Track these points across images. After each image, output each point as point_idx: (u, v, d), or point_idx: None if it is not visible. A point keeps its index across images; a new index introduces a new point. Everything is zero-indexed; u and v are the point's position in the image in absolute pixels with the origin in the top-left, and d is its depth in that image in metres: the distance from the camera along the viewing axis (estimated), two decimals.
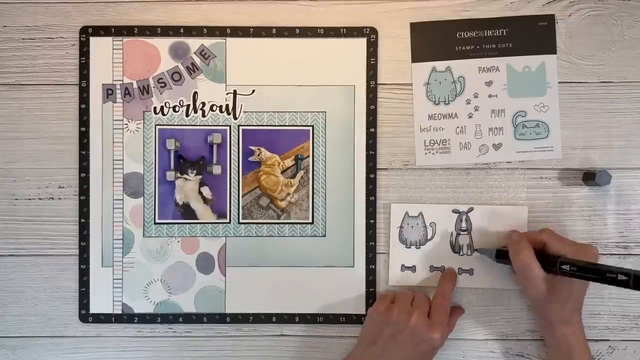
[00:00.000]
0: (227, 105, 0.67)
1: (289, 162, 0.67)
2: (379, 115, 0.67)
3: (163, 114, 0.67)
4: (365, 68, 0.67)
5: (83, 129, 0.67)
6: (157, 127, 0.67)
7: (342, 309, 0.67)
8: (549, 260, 0.60)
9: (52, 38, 0.67)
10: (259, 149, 0.67)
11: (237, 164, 0.67)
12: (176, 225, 0.67)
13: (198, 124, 0.67)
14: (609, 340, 0.67)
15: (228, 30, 0.67)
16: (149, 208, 0.67)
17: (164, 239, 0.67)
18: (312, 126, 0.67)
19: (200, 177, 0.67)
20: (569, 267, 0.57)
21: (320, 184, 0.67)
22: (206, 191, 0.67)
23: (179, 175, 0.67)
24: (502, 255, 0.63)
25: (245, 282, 0.67)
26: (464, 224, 0.67)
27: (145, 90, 0.67)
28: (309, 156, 0.67)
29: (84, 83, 0.67)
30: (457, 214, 0.67)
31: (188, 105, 0.67)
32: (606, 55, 0.67)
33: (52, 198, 0.67)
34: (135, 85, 0.67)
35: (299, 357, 0.68)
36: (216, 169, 0.67)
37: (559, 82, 0.67)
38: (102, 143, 0.67)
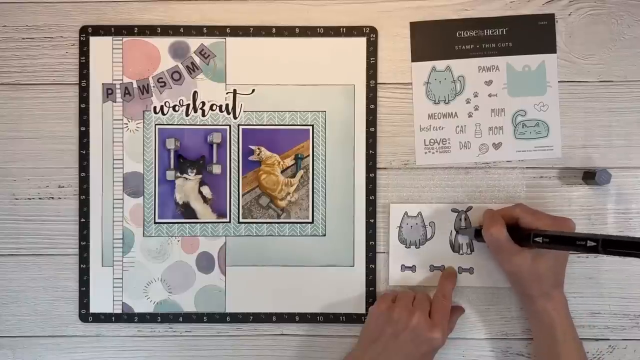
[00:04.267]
0: (227, 105, 0.67)
1: (289, 161, 0.67)
2: (379, 115, 0.67)
3: (163, 114, 0.67)
4: (365, 67, 0.67)
5: (83, 128, 0.67)
6: (157, 126, 0.67)
7: (342, 308, 0.67)
8: (522, 235, 0.60)
9: (52, 38, 0.67)
10: (258, 149, 0.67)
11: (237, 164, 0.67)
12: (176, 224, 0.67)
13: (198, 123, 0.67)
14: (609, 339, 0.67)
15: (228, 30, 0.67)
16: (149, 207, 0.67)
17: (164, 238, 0.67)
18: (312, 125, 0.67)
19: (200, 176, 0.67)
20: (541, 238, 0.58)
21: (320, 184, 0.67)
22: (206, 190, 0.67)
23: (178, 174, 0.67)
24: (480, 234, 0.64)
25: (245, 281, 0.67)
26: (463, 223, 0.67)
27: (145, 89, 0.67)
28: (308, 155, 0.67)
29: (83, 83, 0.67)
30: (457, 213, 0.67)
31: (188, 105, 0.67)
32: (606, 54, 0.67)
33: (52, 198, 0.67)
34: (135, 85, 0.67)
35: (299, 356, 0.68)
36: (216, 169, 0.67)
37: (558, 81, 0.67)
38: (102, 143, 0.67)
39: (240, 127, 0.67)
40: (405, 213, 0.67)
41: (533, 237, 0.58)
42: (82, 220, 0.67)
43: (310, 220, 0.67)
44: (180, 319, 0.67)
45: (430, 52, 0.67)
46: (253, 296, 0.67)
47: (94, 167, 0.67)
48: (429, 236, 0.67)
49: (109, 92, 0.67)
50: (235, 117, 0.67)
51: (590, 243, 0.54)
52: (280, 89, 0.67)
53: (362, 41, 0.67)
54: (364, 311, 0.67)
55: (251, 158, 0.67)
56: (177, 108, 0.67)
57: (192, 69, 0.67)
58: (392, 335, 0.60)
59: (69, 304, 0.68)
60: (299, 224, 0.67)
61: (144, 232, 0.67)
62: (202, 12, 0.67)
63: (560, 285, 0.62)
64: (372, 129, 0.67)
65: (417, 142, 0.67)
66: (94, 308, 0.67)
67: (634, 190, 0.67)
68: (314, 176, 0.67)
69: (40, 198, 0.67)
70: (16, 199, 0.67)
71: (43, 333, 0.68)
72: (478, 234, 0.64)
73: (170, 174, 0.67)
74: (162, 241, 0.67)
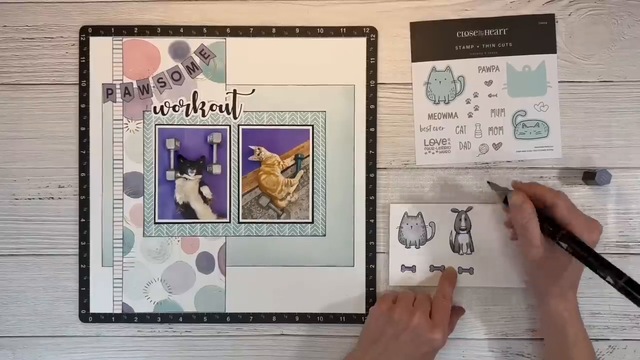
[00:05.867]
0: (227, 105, 0.67)
1: (289, 161, 0.67)
2: (379, 115, 0.67)
3: (163, 114, 0.67)
4: (365, 67, 0.67)
5: (83, 128, 0.67)
6: (157, 126, 0.67)
7: (342, 308, 0.67)
8: (551, 227, 0.58)
9: (52, 38, 0.67)
10: (258, 149, 0.67)
11: (237, 164, 0.67)
12: (176, 225, 0.67)
13: (198, 123, 0.67)
14: (609, 339, 0.67)
15: (228, 30, 0.67)
16: (149, 208, 0.67)
17: (164, 238, 0.67)
18: (312, 126, 0.67)
19: (200, 176, 0.67)
20: (566, 245, 0.57)
21: (320, 184, 0.67)
22: (206, 191, 0.67)
23: (178, 174, 0.67)
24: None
25: (245, 281, 0.67)
26: (463, 223, 0.67)
27: (145, 89, 0.67)
28: (308, 156, 0.67)
29: (83, 83, 0.67)
30: (457, 213, 0.67)
31: (188, 105, 0.67)
32: (606, 55, 0.67)
33: (52, 198, 0.67)
34: (135, 85, 0.67)
35: (299, 356, 0.68)
36: (216, 169, 0.67)
37: (559, 82, 0.67)
38: (102, 143, 0.67)
39: (240, 127, 0.67)
40: (405, 213, 0.67)
41: (559, 239, 0.57)
42: (82, 220, 0.67)
43: (310, 220, 0.67)
44: (180, 319, 0.67)
45: (430, 53, 0.67)
46: (253, 296, 0.67)
47: (94, 167, 0.67)
48: (429, 236, 0.67)
49: (109, 92, 0.67)
50: (235, 117, 0.67)
51: (609, 280, 0.54)
52: (280, 89, 0.67)
53: (362, 41, 0.67)
54: (364, 311, 0.67)
55: (251, 158, 0.67)
56: (177, 108, 0.67)
57: (192, 69, 0.67)
58: (393, 336, 0.60)
59: (69, 304, 0.68)
60: (299, 224, 0.67)
61: (144, 232, 0.67)
62: (202, 12, 0.67)
63: (575, 287, 0.62)
64: (372, 129, 0.67)
65: (417, 142, 0.67)
66: (94, 308, 0.67)
67: (634, 191, 0.67)
68: (314, 176, 0.67)
69: (40, 198, 0.67)
70: (16, 199, 0.67)
71: (43, 333, 0.68)
72: (506, 201, 0.61)
73: (170, 174, 0.67)
74: (162, 241, 0.67)
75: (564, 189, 0.67)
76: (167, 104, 0.67)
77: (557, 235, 0.58)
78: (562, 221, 0.58)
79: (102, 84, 0.67)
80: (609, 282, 0.54)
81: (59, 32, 0.67)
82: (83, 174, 0.67)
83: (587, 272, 0.66)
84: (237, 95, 0.67)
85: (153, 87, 0.67)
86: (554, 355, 0.63)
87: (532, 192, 0.60)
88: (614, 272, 0.54)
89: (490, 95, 0.67)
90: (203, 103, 0.67)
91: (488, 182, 0.66)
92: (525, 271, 0.66)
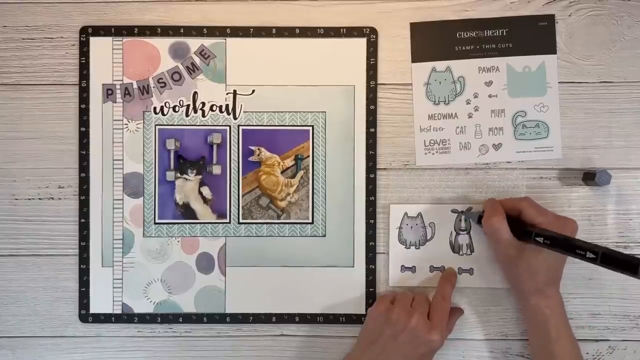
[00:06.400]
0: (227, 105, 0.67)
1: (289, 162, 0.67)
2: (379, 115, 0.67)
3: (163, 114, 0.67)
4: (365, 68, 0.67)
5: (83, 129, 0.67)
6: (157, 127, 0.67)
7: (342, 309, 0.67)
8: (523, 229, 0.60)
9: (52, 38, 0.67)
10: (258, 149, 0.67)
11: (237, 164, 0.67)
12: (176, 225, 0.67)
13: (198, 124, 0.67)
14: (609, 340, 0.67)
15: (228, 30, 0.67)
16: (149, 208, 0.67)
17: (164, 239, 0.67)
18: (312, 126, 0.67)
19: (200, 177, 0.67)
20: (542, 239, 0.58)
21: (320, 184, 0.67)
22: (206, 191, 0.67)
23: (179, 175, 0.67)
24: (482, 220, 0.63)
25: (245, 282, 0.67)
26: (463, 224, 0.67)
27: (145, 90, 0.67)
28: (309, 156, 0.67)
29: (84, 83, 0.67)
30: (456, 214, 0.67)
31: (188, 105, 0.67)
32: (606, 55, 0.67)
33: (52, 198, 0.67)
34: (135, 85, 0.67)
35: (298, 357, 0.68)
36: (216, 169, 0.67)
37: (559, 82, 0.67)
38: (102, 143, 0.67)
39: (240, 127, 0.67)
40: (405, 214, 0.67)
41: (534, 235, 0.59)
42: (82, 220, 0.67)
43: (310, 220, 0.67)
44: (180, 320, 0.67)
45: (430, 53, 0.67)
46: (253, 297, 0.67)
47: (94, 168, 0.67)
48: (429, 237, 0.67)
49: (109, 92, 0.67)
50: (235, 118, 0.67)
51: (589, 254, 0.54)
52: (280, 89, 0.67)
53: (362, 42, 0.67)
54: (364, 312, 0.67)
55: (251, 159, 0.67)
56: (177, 108, 0.67)
57: (192, 69, 0.67)
58: (391, 337, 0.60)
59: (68, 304, 0.68)
60: (299, 225, 0.67)
61: (144, 233, 0.67)
62: (203, 13, 0.67)
63: (556, 283, 0.62)
64: (372, 130, 0.67)
65: (417, 143, 0.67)
66: (93, 308, 0.67)
67: (634, 191, 0.67)
68: (314, 177, 0.67)
69: (40, 198, 0.67)
70: (16, 199, 0.67)
71: (43, 333, 0.68)
72: (481, 220, 0.64)
73: (170, 175, 0.67)
74: (162, 242, 0.67)
75: (564, 190, 0.67)
76: (167, 104, 0.67)
77: (531, 233, 0.59)
78: (532, 221, 0.61)
79: (102, 84, 0.67)
80: (590, 259, 0.54)
81: (59, 32, 0.67)
82: (83, 174, 0.67)
83: (587, 273, 0.67)
84: (237, 95, 0.67)
85: (153, 87, 0.67)
86: (537, 351, 0.63)
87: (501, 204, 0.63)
88: (592, 247, 0.55)
89: (490, 96, 0.67)
90: (203, 103, 0.67)
91: (462, 212, 0.67)
92: (502, 274, 0.66)
